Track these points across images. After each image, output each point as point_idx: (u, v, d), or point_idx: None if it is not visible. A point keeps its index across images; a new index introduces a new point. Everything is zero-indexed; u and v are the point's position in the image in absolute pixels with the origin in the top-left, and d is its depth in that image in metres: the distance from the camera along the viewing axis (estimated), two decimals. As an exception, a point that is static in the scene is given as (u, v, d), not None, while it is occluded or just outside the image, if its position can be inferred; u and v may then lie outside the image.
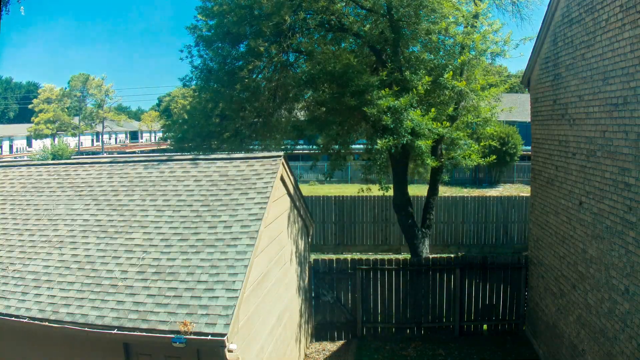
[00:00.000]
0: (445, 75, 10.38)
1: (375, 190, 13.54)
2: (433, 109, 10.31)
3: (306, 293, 11.13)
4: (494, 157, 12.55)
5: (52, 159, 38.96)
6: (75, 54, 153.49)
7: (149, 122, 75.67)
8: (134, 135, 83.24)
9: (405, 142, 9.91)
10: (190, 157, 9.35)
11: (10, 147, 62.84)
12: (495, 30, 11.37)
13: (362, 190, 13.37)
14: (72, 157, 16.04)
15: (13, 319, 6.33)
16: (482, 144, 11.75)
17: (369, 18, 11.79)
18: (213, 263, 6.63)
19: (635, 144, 6.46)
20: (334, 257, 12.43)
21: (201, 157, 9.23)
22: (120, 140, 79.15)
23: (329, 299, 11.53)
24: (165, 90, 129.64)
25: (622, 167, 6.82)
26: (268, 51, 11.26)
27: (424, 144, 9.97)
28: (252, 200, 7.60)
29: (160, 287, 6.38)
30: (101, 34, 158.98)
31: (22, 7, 5.24)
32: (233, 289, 6.19)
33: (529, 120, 11.40)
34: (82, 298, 6.40)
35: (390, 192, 12.89)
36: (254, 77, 12.21)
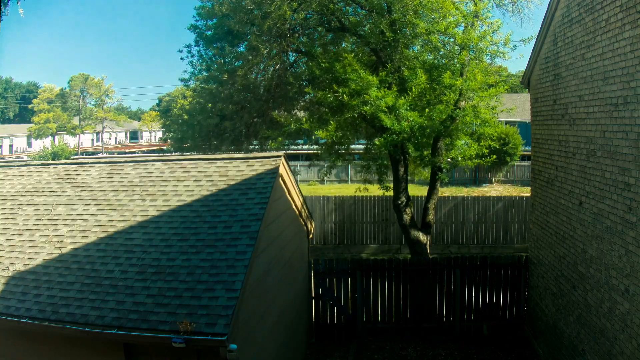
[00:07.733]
0: (444, 76, 10.36)
1: (373, 190, 13.54)
2: (427, 110, 10.31)
3: (306, 293, 11.13)
4: (494, 156, 12.53)
5: (52, 159, 38.94)
6: (76, 54, 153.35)
7: (149, 122, 75.63)
8: (134, 135, 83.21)
9: (403, 140, 9.91)
10: (190, 157, 9.35)
11: (10, 147, 62.76)
12: (495, 30, 11.35)
13: (360, 190, 13.36)
14: (72, 157, 16.02)
15: (13, 319, 6.33)
16: (482, 143, 11.75)
17: (369, 18, 11.80)
18: (213, 263, 6.63)
19: (635, 144, 6.46)
20: (333, 257, 12.42)
21: (201, 157, 9.23)
22: (120, 140, 79.11)
23: (328, 299, 11.53)
24: (165, 90, 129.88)
25: (622, 167, 6.82)
26: (268, 51, 11.26)
27: (422, 142, 9.98)
28: (252, 200, 7.59)
29: (160, 287, 6.38)
30: (101, 34, 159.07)
31: (21, 9, 5.22)
32: (233, 289, 6.19)
33: (529, 120, 11.40)
34: (82, 298, 6.40)
35: (390, 192, 12.88)
36: (253, 76, 12.23)
